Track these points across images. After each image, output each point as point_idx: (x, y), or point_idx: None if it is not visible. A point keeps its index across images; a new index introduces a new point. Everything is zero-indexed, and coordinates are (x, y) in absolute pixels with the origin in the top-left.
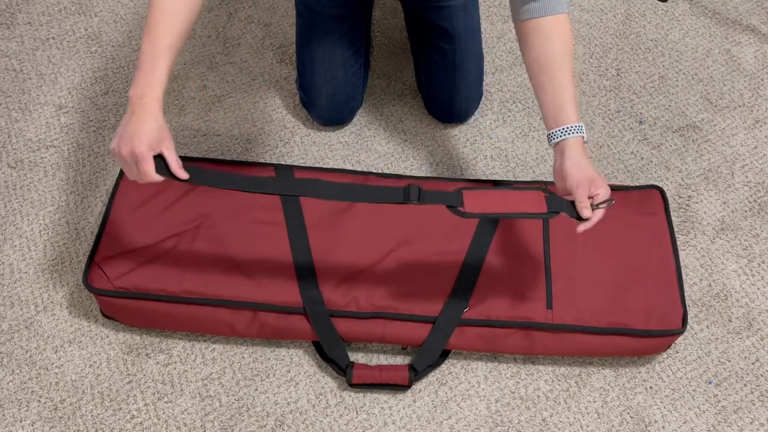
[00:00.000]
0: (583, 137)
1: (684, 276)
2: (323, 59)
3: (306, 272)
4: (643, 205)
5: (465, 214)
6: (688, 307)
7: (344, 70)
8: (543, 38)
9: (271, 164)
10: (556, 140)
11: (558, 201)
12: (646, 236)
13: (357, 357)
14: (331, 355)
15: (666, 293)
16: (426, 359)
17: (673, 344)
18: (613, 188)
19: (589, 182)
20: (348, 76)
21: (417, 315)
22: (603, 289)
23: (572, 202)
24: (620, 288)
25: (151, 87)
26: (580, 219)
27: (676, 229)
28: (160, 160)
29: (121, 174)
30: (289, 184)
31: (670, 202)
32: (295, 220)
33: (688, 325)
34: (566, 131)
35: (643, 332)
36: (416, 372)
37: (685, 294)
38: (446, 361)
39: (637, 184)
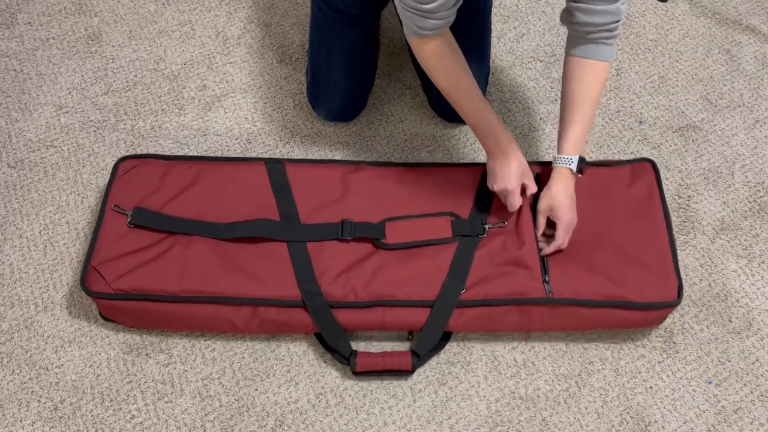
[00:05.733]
0: (570, 169)
1: (684, 276)
2: (341, 55)
3: (303, 266)
4: (636, 178)
5: (387, 246)
6: (688, 307)
7: (360, 66)
8: (584, 76)
9: (262, 159)
10: (554, 164)
11: (460, 225)
12: (639, 209)
13: (359, 347)
14: (334, 346)
15: (660, 265)
16: (427, 343)
17: (672, 343)
18: (605, 163)
19: (571, 226)
20: (362, 72)
21: (415, 300)
22: (598, 263)
23: (474, 222)
24: (615, 261)
25: (505, 137)
26: (480, 235)
27: (676, 230)
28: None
29: (112, 176)
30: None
31: (670, 203)
32: (288, 214)
33: (682, 299)
34: (560, 160)
35: (640, 305)
36: (419, 357)
37: (685, 294)
38: (446, 361)
39: (629, 158)
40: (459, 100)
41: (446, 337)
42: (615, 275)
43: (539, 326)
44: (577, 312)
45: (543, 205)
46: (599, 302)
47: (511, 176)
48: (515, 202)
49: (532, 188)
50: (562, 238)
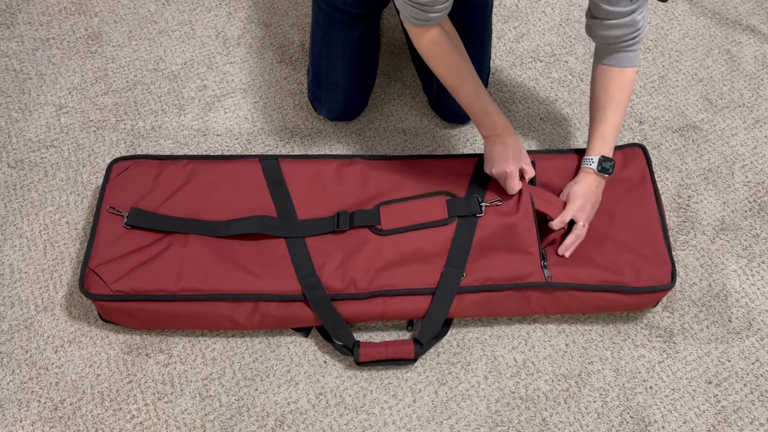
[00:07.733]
0: (593, 169)
1: (684, 276)
2: (342, 55)
3: (302, 261)
4: (627, 162)
5: (382, 232)
6: (688, 307)
7: (361, 65)
8: (607, 83)
9: (256, 155)
10: (583, 165)
11: (455, 205)
12: (631, 194)
13: (362, 339)
14: (337, 338)
15: (654, 250)
16: (429, 331)
17: (672, 343)
18: None
19: (580, 212)
20: (363, 72)
21: (415, 288)
22: (594, 247)
23: (471, 200)
24: (611, 246)
25: (502, 123)
26: (477, 215)
27: (676, 229)
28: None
29: (106, 178)
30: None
31: (670, 202)
32: (285, 210)
33: (676, 282)
34: (584, 161)
35: (635, 289)
36: (421, 345)
37: (685, 294)
38: (446, 361)
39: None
40: (456, 86)
41: (447, 323)
42: (611, 260)
43: (537, 310)
44: (575, 296)
45: (563, 193)
46: (597, 287)
47: (508, 159)
48: (514, 185)
49: (530, 172)
50: (565, 215)
